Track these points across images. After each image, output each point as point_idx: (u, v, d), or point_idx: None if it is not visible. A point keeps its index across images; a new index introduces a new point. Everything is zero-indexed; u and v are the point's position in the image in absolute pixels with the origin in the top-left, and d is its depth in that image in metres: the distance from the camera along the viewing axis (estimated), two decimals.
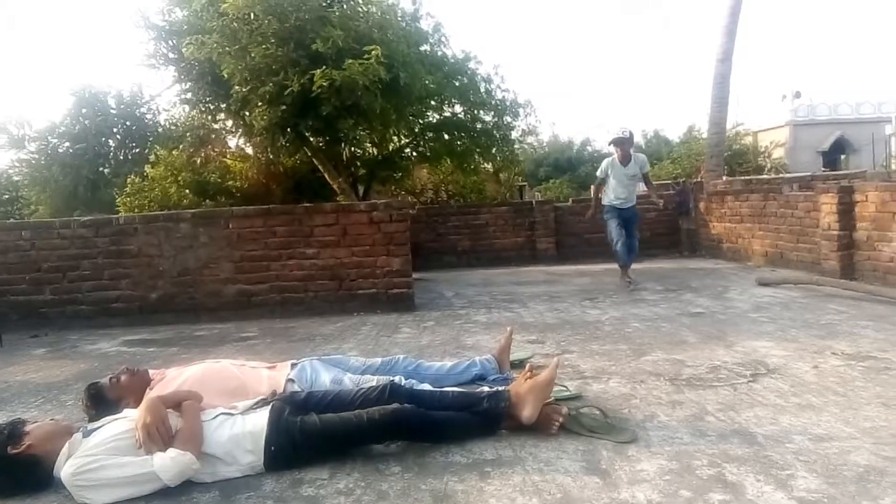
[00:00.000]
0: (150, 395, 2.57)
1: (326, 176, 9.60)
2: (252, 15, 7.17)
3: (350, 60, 6.79)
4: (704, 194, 9.52)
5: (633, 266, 7.00)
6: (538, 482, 2.18)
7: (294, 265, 5.99)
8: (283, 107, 7.42)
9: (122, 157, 8.76)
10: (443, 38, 9.05)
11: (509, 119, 9.93)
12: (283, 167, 11.04)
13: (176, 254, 5.96)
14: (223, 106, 8.63)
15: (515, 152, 11.00)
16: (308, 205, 6.71)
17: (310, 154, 9.57)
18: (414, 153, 10.48)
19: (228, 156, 11.84)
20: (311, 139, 9.14)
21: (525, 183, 22.13)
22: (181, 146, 9.94)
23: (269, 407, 2.45)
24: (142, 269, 5.97)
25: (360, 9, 8.06)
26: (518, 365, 3.54)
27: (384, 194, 11.53)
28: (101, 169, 8.57)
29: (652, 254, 9.13)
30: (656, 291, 6.26)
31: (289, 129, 8.20)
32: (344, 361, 3.31)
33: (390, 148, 10.42)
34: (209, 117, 9.54)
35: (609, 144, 6.81)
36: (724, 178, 11.16)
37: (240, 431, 2.35)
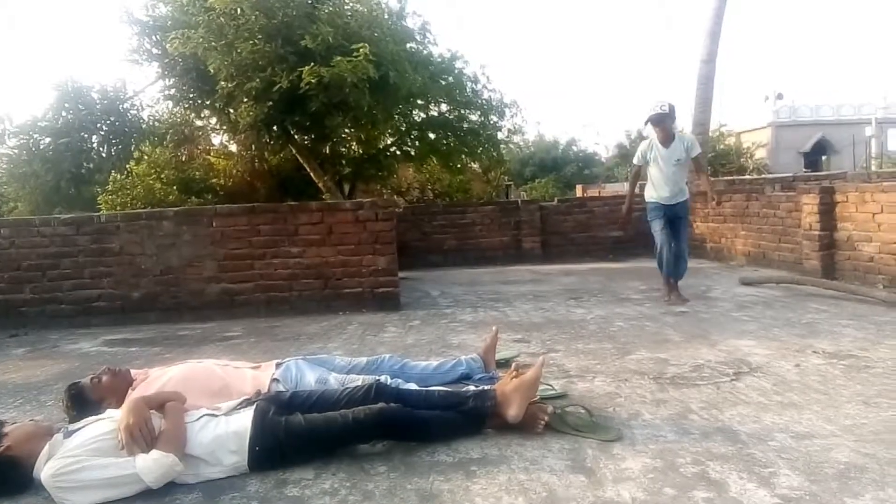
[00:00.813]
0: (133, 395, 2.54)
1: (312, 174, 9.55)
2: (239, 10, 7.11)
3: (338, 57, 6.75)
4: (688, 194, 9.59)
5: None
6: (524, 481, 2.18)
7: (279, 264, 5.95)
8: (270, 103, 7.37)
9: (104, 154, 8.62)
10: (429, 37, 9.05)
11: (495, 119, 9.95)
12: (267, 165, 10.98)
13: (159, 252, 5.89)
14: (208, 102, 8.53)
15: (502, 152, 11.01)
16: (293, 203, 6.67)
17: (295, 152, 9.51)
18: (399, 152, 10.46)
19: (212, 153, 11.75)
20: (297, 137, 9.09)
21: (511, 182, 22.20)
22: (165, 143, 9.83)
23: (254, 407, 2.43)
24: (124, 267, 5.89)
25: (347, 6, 8.03)
26: (504, 364, 3.55)
27: (370, 193, 11.49)
28: (83, 165, 8.43)
29: (636, 253, 9.18)
30: (640, 291, 6.30)
31: (275, 126, 8.14)
32: (329, 361, 3.29)
33: (377, 146, 10.39)
34: (193, 114, 9.44)
35: (645, 124, 5.61)
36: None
37: (223, 432, 2.33)
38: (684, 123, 12.31)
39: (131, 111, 8.75)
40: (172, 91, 8.69)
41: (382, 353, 3.56)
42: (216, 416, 2.41)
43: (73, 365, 4.34)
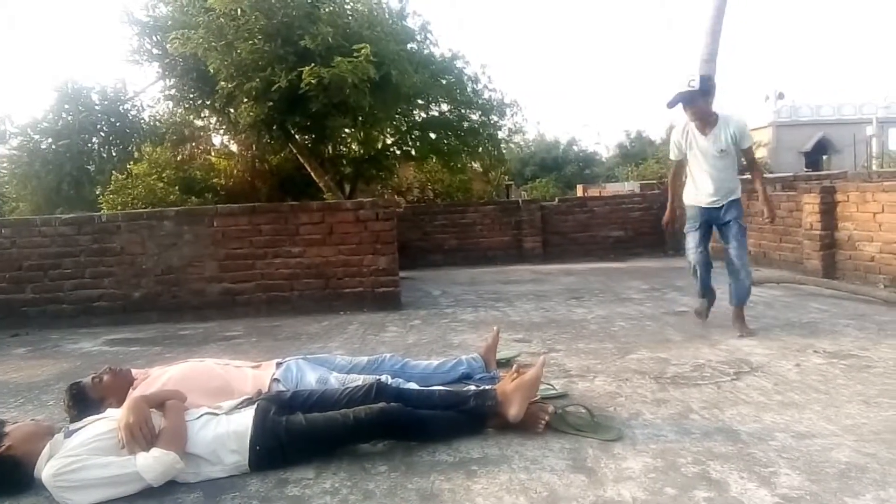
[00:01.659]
0: (134, 394, 2.54)
1: (312, 174, 9.55)
2: (239, 11, 7.10)
3: (339, 58, 6.75)
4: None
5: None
6: (525, 480, 2.18)
7: (280, 264, 5.95)
8: (270, 103, 7.37)
9: (105, 154, 8.63)
10: (430, 37, 9.05)
11: (496, 118, 9.94)
12: (268, 165, 10.97)
13: (160, 252, 5.89)
14: (208, 102, 8.55)
15: (502, 151, 11.01)
16: (294, 203, 6.68)
17: (295, 152, 9.51)
18: (400, 152, 10.46)
19: (213, 153, 11.75)
20: (298, 137, 9.09)
21: (511, 182, 22.18)
22: (165, 143, 9.83)
23: (254, 406, 2.43)
24: (125, 267, 5.90)
25: (347, 6, 8.02)
26: (504, 364, 3.55)
27: (370, 193, 11.49)
28: (84, 166, 8.44)
29: (637, 253, 9.18)
30: (641, 290, 6.30)
31: (275, 126, 8.14)
32: (330, 360, 3.29)
33: (377, 146, 10.39)
34: (194, 114, 9.44)
35: (671, 107, 4.08)
36: None
37: (224, 431, 2.33)
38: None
39: (132, 112, 8.76)
40: (173, 91, 8.70)
41: (383, 352, 3.56)
42: (217, 415, 2.41)
43: (75, 364, 4.35)
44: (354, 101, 7.09)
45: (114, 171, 9.29)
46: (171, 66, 8.17)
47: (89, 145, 8.34)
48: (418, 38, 8.94)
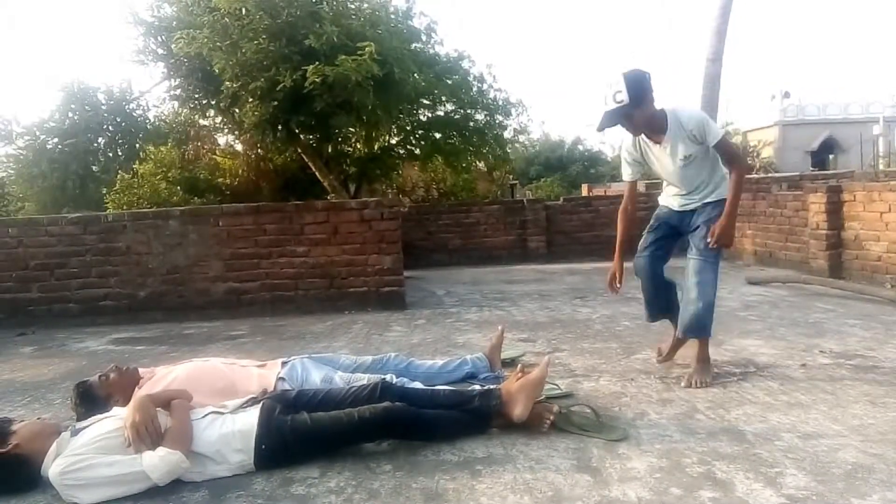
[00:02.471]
0: (139, 393, 2.55)
1: (317, 174, 9.56)
2: (243, 10, 7.13)
3: (343, 57, 6.76)
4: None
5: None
6: (529, 480, 2.18)
7: (284, 263, 5.97)
8: (275, 103, 7.39)
9: (111, 154, 8.68)
10: (435, 37, 9.05)
11: (501, 118, 9.94)
12: (273, 164, 10.99)
13: (165, 251, 5.91)
14: (213, 102, 8.57)
15: (507, 151, 11.00)
16: (298, 202, 6.68)
17: (300, 151, 9.53)
18: (404, 151, 10.47)
19: (218, 153, 11.78)
20: (302, 136, 9.10)
21: (516, 181, 22.17)
22: (170, 143, 9.86)
23: (260, 406, 2.43)
24: (130, 266, 5.92)
25: (351, 5, 8.03)
26: (509, 363, 3.55)
27: (375, 192, 11.50)
28: (89, 165, 8.49)
29: None
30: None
31: (279, 126, 8.16)
32: (335, 360, 3.30)
33: (382, 145, 10.40)
34: (199, 113, 9.47)
35: (600, 130, 3.17)
36: None
37: (230, 430, 2.34)
38: None
39: (137, 111, 8.82)
40: (178, 91, 8.73)
41: (388, 351, 3.56)
42: (222, 414, 2.42)
43: (81, 363, 4.37)
44: (358, 99, 7.10)
45: (119, 171, 9.34)
46: (176, 66, 8.20)
47: (95, 145, 8.40)
48: (424, 37, 8.95)
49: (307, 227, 5.96)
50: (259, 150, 10.08)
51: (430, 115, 9.90)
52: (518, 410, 2.55)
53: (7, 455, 2.23)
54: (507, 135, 10.54)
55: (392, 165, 10.78)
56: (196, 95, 8.64)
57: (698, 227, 3.25)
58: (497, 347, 3.49)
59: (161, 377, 2.81)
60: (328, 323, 5.39)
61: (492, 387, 2.74)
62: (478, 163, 11.40)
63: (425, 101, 9.39)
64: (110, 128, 8.45)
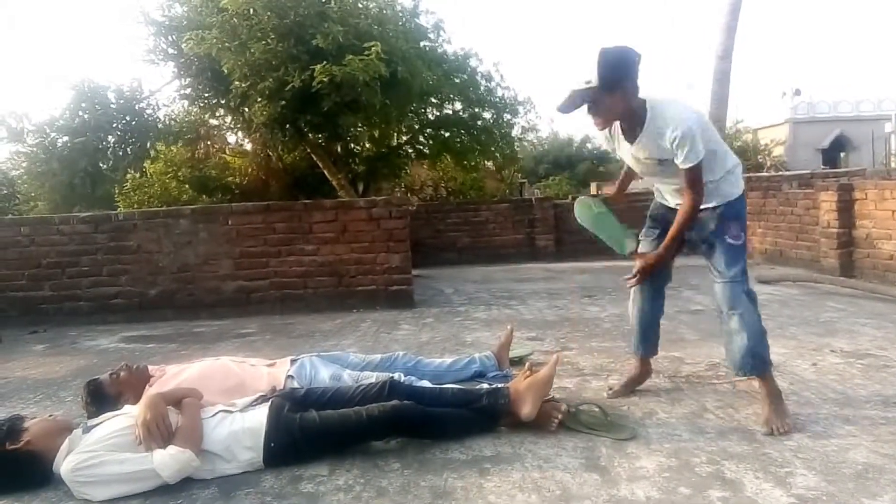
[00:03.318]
0: (150, 391, 2.57)
1: (326, 172, 9.59)
2: (252, 10, 7.15)
3: (350, 56, 6.77)
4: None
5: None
6: (537, 479, 2.18)
7: (293, 262, 5.99)
8: (283, 102, 7.41)
9: (121, 153, 8.73)
10: (443, 35, 9.05)
11: (509, 116, 9.92)
12: (282, 163, 11.03)
13: (175, 250, 5.95)
14: (222, 101, 8.60)
15: (515, 149, 10.99)
16: (307, 201, 6.71)
17: (309, 150, 9.56)
18: (413, 150, 10.48)
19: (228, 152, 11.83)
20: (311, 135, 9.12)
21: (524, 180, 22.14)
22: (180, 142, 9.91)
23: (269, 404, 2.45)
24: (141, 265, 5.96)
25: (359, 4, 8.04)
26: (517, 362, 3.55)
27: (383, 191, 11.52)
28: (100, 164, 8.54)
29: None
30: None
31: (288, 125, 8.18)
32: (343, 358, 3.31)
33: (390, 144, 10.41)
34: (208, 113, 9.51)
35: (563, 112, 2.55)
36: None
37: (239, 428, 2.35)
38: None
39: (147, 111, 8.84)
40: (188, 91, 8.77)
41: (396, 350, 3.57)
42: (232, 412, 2.43)
43: (92, 361, 4.41)
44: (366, 98, 7.11)
45: (130, 170, 9.39)
46: (186, 66, 8.24)
47: (105, 143, 8.43)
48: (431, 36, 8.95)
49: (316, 226, 5.98)
50: (268, 150, 10.11)
51: (437, 113, 9.90)
52: (526, 409, 2.55)
53: (20, 452, 2.26)
54: (515, 133, 10.53)
55: (400, 164, 10.79)
56: (206, 95, 8.68)
57: (714, 240, 2.68)
58: (506, 346, 3.49)
59: (171, 375, 2.83)
60: (337, 321, 5.41)
61: (500, 385, 2.74)
62: (486, 161, 11.40)
63: (433, 100, 9.39)
64: (120, 126, 8.49)
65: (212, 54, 7.19)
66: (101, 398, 2.70)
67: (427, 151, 10.26)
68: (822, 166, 21.32)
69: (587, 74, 2.46)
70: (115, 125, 8.42)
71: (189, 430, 2.28)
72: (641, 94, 2.53)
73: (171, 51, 8.34)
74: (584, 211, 3.00)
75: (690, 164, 2.50)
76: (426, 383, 2.97)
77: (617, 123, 2.65)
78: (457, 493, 2.12)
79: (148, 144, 8.93)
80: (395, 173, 11.22)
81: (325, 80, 6.78)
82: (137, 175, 10.11)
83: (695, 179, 2.55)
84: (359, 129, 9.11)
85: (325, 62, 6.81)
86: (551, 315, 5.18)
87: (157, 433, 2.22)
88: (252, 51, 7.05)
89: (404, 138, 10.39)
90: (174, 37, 8.15)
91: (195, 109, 9.55)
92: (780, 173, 13.39)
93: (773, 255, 7.63)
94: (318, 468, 2.35)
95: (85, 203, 8.84)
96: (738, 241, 2.66)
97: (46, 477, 2.29)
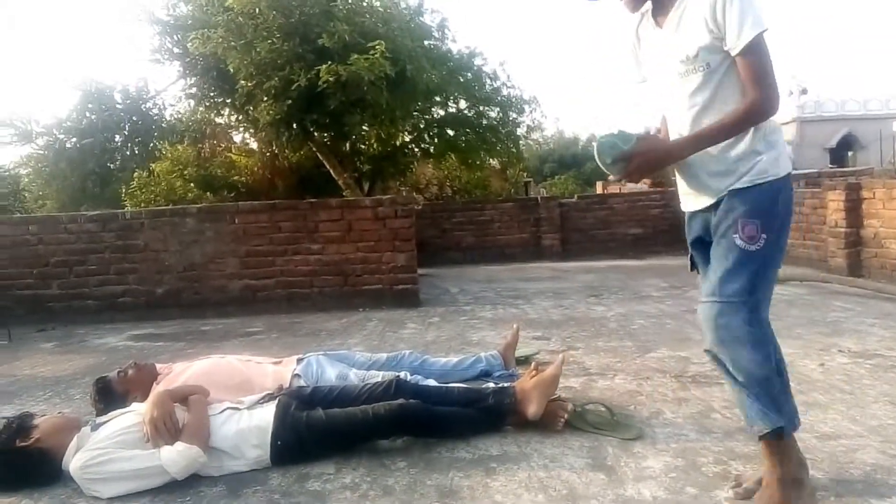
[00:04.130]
0: (158, 389, 2.59)
1: (331, 171, 9.61)
2: (257, 10, 7.17)
3: (355, 55, 6.78)
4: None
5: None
6: (543, 478, 2.18)
7: (299, 261, 6.00)
8: (289, 101, 7.43)
9: (128, 152, 8.78)
10: (448, 34, 9.05)
11: (514, 115, 9.91)
12: (288, 162, 11.06)
13: (182, 249, 5.97)
14: (228, 101, 8.64)
15: (521, 148, 10.98)
16: (313, 200, 6.72)
17: (315, 149, 9.58)
18: (418, 149, 10.48)
19: (233, 150, 11.87)
20: (316, 134, 9.15)
21: (530, 179, 22.11)
22: (186, 141, 9.96)
23: (276, 402, 2.46)
24: (148, 263, 5.99)
25: (364, 3, 8.05)
26: (523, 361, 3.54)
27: (389, 190, 11.53)
28: (107, 164, 8.59)
29: (656, 251, 9.10)
30: (661, 288, 6.25)
31: (294, 124, 8.21)
32: (349, 357, 3.31)
33: (396, 143, 10.42)
34: (214, 112, 9.55)
35: None
36: None
37: (246, 426, 2.36)
38: None
39: (153, 110, 8.89)
40: (194, 90, 8.80)
41: (402, 349, 3.58)
42: (239, 409, 2.44)
43: (100, 359, 4.43)
44: (371, 97, 7.12)
45: (136, 169, 9.44)
46: (191, 65, 8.27)
47: (112, 143, 8.48)
48: (436, 34, 8.96)
49: (322, 225, 5.99)
50: (274, 148, 10.14)
51: (443, 112, 9.91)
52: (532, 408, 2.55)
53: (29, 449, 2.27)
54: (520, 132, 10.53)
55: (406, 163, 10.80)
56: (211, 94, 8.71)
57: (721, 232, 1.88)
58: (512, 345, 3.49)
59: (179, 373, 2.84)
60: (343, 320, 5.42)
61: (506, 385, 2.75)
62: (491, 160, 11.40)
63: (438, 99, 9.40)
64: (127, 126, 8.53)
65: (217, 53, 7.22)
66: (109, 396, 2.72)
67: (432, 150, 10.27)
68: (830, 165, 21.22)
69: None
70: (122, 125, 8.47)
71: (196, 427, 2.29)
72: None
73: (176, 50, 8.37)
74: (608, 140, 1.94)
75: (751, 36, 1.71)
76: (432, 382, 2.97)
77: (646, 23, 1.98)
78: (463, 492, 2.12)
79: (154, 144, 8.98)
80: (401, 172, 11.23)
81: (330, 79, 6.79)
82: (144, 174, 10.16)
83: (761, 67, 1.75)
84: (364, 128, 9.12)
85: (330, 61, 6.83)
86: (557, 314, 5.18)
87: (165, 430, 2.23)
88: (258, 50, 7.07)
89: (409, 137, 10.40)
90: (179, 36, 8.18)
91: (201, 109, 9.58)
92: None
93: None
94: (324, 466, 2.36)
95: (92, 202, 8.89)
96: (752, 246, 1.81)
97: (56, 474, 2.30)
